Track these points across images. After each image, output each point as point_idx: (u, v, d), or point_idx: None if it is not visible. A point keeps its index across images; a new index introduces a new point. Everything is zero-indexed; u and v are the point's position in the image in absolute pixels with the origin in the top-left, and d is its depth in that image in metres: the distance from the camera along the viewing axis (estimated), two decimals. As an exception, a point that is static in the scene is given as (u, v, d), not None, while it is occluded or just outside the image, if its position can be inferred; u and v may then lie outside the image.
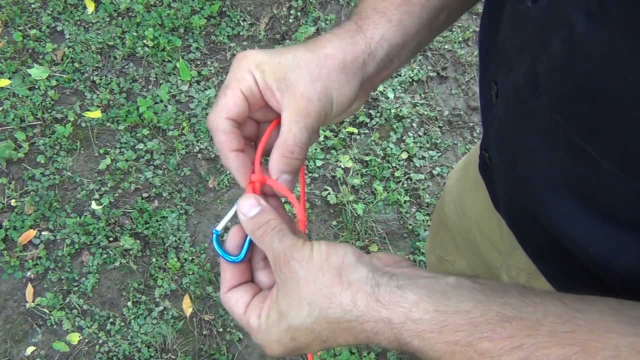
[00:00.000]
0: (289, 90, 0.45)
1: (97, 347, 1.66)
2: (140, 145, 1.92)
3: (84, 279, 1.74)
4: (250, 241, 0.45)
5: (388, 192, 1.90)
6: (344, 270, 0.39)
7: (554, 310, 0.34)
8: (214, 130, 0.46)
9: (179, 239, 1.80)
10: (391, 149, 1.96)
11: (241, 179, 0.46)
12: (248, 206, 0.44)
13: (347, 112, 0.52)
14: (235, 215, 0.46)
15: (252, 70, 0.45)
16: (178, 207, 1.85)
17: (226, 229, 0.48)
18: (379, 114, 2.02)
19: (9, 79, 1.98)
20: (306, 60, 0.46)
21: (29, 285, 1.72)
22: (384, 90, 2.06)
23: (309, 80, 0.45)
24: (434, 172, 1.95)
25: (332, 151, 1.95)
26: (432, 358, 0.36)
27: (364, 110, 2.03)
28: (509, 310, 0.35)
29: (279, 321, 0.40)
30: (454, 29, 2.22)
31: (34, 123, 1.94)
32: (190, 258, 1.78)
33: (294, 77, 0.45)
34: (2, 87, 1.97)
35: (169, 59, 2.07)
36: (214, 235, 0.46)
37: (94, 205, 1.83)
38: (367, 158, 1.95)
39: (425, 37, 0.53)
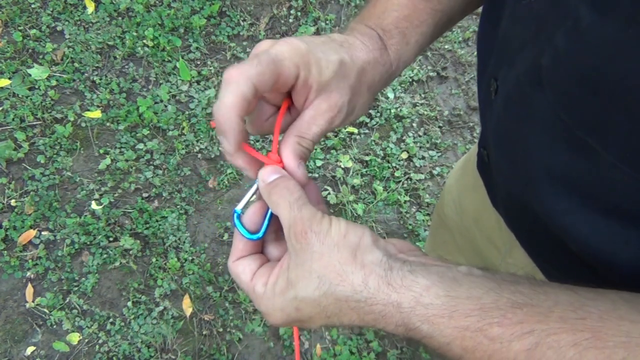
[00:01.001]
0: (325, 95, 0.46)
1: (97, 347, 1.66)
2: (140, 145, 1.92)
3: (84, 279, 1.74)
4: (269, 219, 0.45)
5: (388, 192, 1.90)
6: (359, 250, 0.39)
7: (565, 298, 0.34)
8: (231, 82, 0.40)
9: (179, 239, 1.80)
10: (391, 149, 1.96)
11: (231, 140, 0.42)
12: (268, 173, 0.44)
13: None
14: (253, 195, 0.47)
15: (300, 65, 0.43)
16: (178, 207, 1.85)
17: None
18: (379, 114, 2.02)
19: (9, 79, 1.98)
20: (348, 70, 0.47)
21: (29, 285, 1.72)
22: (384, 90, 2.06)
23: (345, 94, 0.47)
24: (434, 172, 1.95)
25: (332, 151, 1.95)
26: (440, 344, 0.36)
27: (364, 110, 2.03)
28: (520, 297, 0.35)
29: (286, 290, 0.40)
30: (454, 29, 2.22)
31: (34, 123, 1.94)
32: (190, 258, 1.78)
33: (335, 86, 0.46)
34: (2, 87, 1.97)
35: (169, 59, 2.07)
36: (235, 215, 0.46)
37: (94, 205, 1.83)
38: (367, 158, 1.95)
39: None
